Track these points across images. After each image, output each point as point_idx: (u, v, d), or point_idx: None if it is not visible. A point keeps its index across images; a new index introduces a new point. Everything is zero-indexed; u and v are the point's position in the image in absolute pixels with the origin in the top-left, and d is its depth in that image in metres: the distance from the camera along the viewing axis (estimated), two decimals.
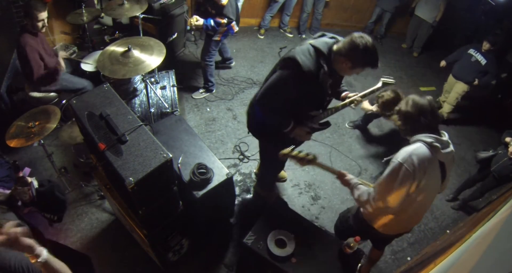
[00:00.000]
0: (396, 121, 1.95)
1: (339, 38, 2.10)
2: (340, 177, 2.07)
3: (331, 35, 2.14)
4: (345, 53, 1.93)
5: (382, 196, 1.84)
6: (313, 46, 2.00)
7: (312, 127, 2.32)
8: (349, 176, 2.05)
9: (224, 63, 4.63)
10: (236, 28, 3.66)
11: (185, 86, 4.24)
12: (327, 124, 2.41)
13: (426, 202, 1.96)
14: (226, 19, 3.43)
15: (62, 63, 3.09)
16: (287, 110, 2.17)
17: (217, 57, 4.37)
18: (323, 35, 2.14)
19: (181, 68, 4.50)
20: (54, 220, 2.72)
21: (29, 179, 2.39)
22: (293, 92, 2.05)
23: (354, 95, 2.28)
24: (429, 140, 1.78)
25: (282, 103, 2.10)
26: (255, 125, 2.53)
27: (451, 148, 1.88)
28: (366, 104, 3.46)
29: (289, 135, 2.25)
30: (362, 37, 1.90)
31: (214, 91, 4.28)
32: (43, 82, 3.04)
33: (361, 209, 2.15)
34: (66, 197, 2.82)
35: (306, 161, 2.01)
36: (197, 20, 3.48)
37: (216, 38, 3.63)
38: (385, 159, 2.15)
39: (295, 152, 2.01)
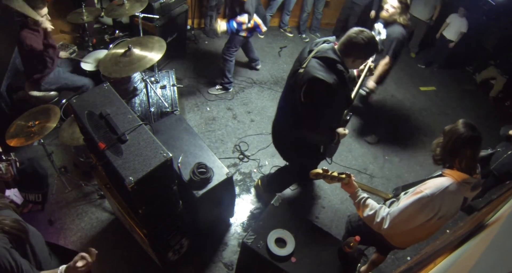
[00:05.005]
0: (436, 149, 1.85)
1: (330, 38, 2.16)
2: (350, 191, 1.96)
3: (323, 39, 2.17)
4: (353, 54, 2.03)
5: (399, 224, 1.78)
6: (319, 58, 2.03)
7: (344, 121, 2.43)
8: (359, 193, 1.95)
9: (250, 64, 4.69)
10: (264, 28, 3.74)
11: (187, 85, 4.24)
12: (350, 115, 2.51)
13: (442, 223, 1.92)
14: (247, 16, 3.49)
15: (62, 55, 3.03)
16: (332, 123, 2.29)
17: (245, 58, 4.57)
18: (315, 45, 2.16)
19: (182, 68, 4.51)
20: (39, 201, 2.73)
21: (11, 157, 2.40)
22: (332, 105, 2.13)
23: (365, 67, 2.42)
24: (460, 179, 1.73)
25: (327, 119, 2.19)
26: (292, 146, 2.58)
27: (480, 188, 1.85)
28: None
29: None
30: (358, 33, 1.97)
31: (231, 90, 4.29)
32: (45, 62, 3.01)
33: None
34: (47, 171, 2.84)
35: (338, 179, 1.91)
36: (220, 27, 3.57)
37: (243, 34, 3.70)
38: (402, 188, 2.10)
39: (330, 172, 1.92)
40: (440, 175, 1.83)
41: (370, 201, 1.89)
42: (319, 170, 1.91)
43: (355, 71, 2.51)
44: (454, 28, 5.37)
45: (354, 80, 2.49)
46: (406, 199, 1.80)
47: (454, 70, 5.93)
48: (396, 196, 2.06)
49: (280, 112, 2.53)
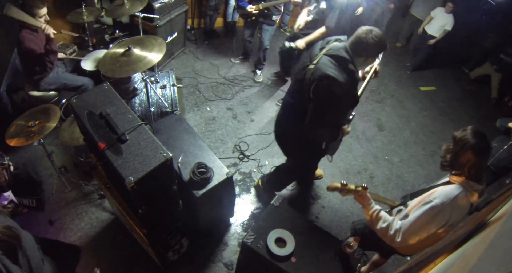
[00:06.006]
0: (445, 155, 1.82)
1: (342, 37, 2.16)
2: (363, 202, 1.94)
3: (334, 38, 2.17)
4: (364, 53, 2.03)
5: (411, 236, 1.77)
6: (331, 56, 2.03)
7: (348, 120, 2.45)
8: (372, 204, 1.93)
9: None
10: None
11: (187, 85, 4.24)
12: (353, 115, 2.52)
13: (449, 230, 1.91)
14: None
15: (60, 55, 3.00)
16: (337, 120, 2.30)
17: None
18: (326, 43, 2.16)
19: (182, 68, 4.51)
20: (33, 206, 2.73)
21: (5, 162, 2.39)
22: (341, 103, 2.13)
23: (371, 68, 2.42)
24: (470, 187, 1.73)
25: (333, 116, 2.20)
26: (295, 142, 2.57)
27: (485, 194, 1.85)
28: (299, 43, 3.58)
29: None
30: (368, 33, 1.97)
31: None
32: (42, 66, 3.00)
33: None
34: (42, 178, 2.83)
35: (354, 192, 1.89)
36: None
37: (278, 19, 4.10)
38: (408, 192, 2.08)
39: (349, 185, 1.89)
40: (448, 182, 1.83)
41: (383, 213, 1.88)
42: (337, 184, 1.89)
43: (360, 72, 2.51)
44: (438, 23, 5.01)
45: (359, 80, 2.50)
46: (416, 210, 1.79)
47: (454, 70, 5.93)
48: (404, 203, 2.06)
49: (286, 107, 2.51)
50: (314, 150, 2.55)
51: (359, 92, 2.39)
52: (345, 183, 1.87)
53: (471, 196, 1.74)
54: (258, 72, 4.61)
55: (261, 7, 3.86)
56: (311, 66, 2.07)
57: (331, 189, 1.90)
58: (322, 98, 2.07)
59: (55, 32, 2.92)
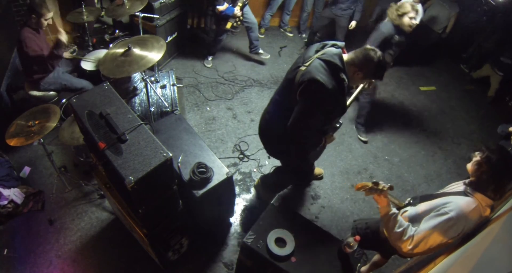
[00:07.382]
0: (481, 176, 1.82)
1: (339, 43, 2.13)
2: (384, 209, 1.94)
3: (331, 43, 2.14)
4: (358, 65, 2.01)
5: (423, 243, 1.78)
6: (324, 60, 2.00)
7: (333, 128, 2.43)
8: (391, 206, 1.93)
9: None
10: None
11: (187, 85, 4.24)
12: (340, 123, 2.51)
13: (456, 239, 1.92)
14: None
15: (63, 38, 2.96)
16: (322, 126, 2.28)
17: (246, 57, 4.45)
18: (322, 47, 2.13)
19: (182, 68, 4.51)
20: None
21: None
22: (325, 110, 2.10)
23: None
24: (484, 203, 1.75)
25: (318, 121, 2.17)
26: (278, 141, 2.54)
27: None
28: None
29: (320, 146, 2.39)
30: (375, 51, 1.99)
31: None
32: (42, 66, 3.00)
33: (384, 231, 2.09)
34: None
35: (380, 191, 1.88)
36: None
37: None
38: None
39: (380, 185, 1.87)
40: (463, 193, 1.84)
41: (400, 218, 1.89)
42: (367, 183, 1.87)
43: None
44: None
45: (351, 88, 2.47)
46: (429, 219, 1.80)
47: (454, 70, 5.92)
48: (413, 204, 2.07)
49: (273, 105, 2.48)
50: (298, 151, 2.46)
51: (348, 101, 2.37)
52: (376, 181, 1.87)
53: (484, 211, 1.76)
54: (260, 50, 4.67)
55: (240, 4, 3.77)
56: (302, 68, 2.04)
57: (359, 187, 1.90)
58: (307, 101, 2.04)
59: (67, 40, 2.94)
